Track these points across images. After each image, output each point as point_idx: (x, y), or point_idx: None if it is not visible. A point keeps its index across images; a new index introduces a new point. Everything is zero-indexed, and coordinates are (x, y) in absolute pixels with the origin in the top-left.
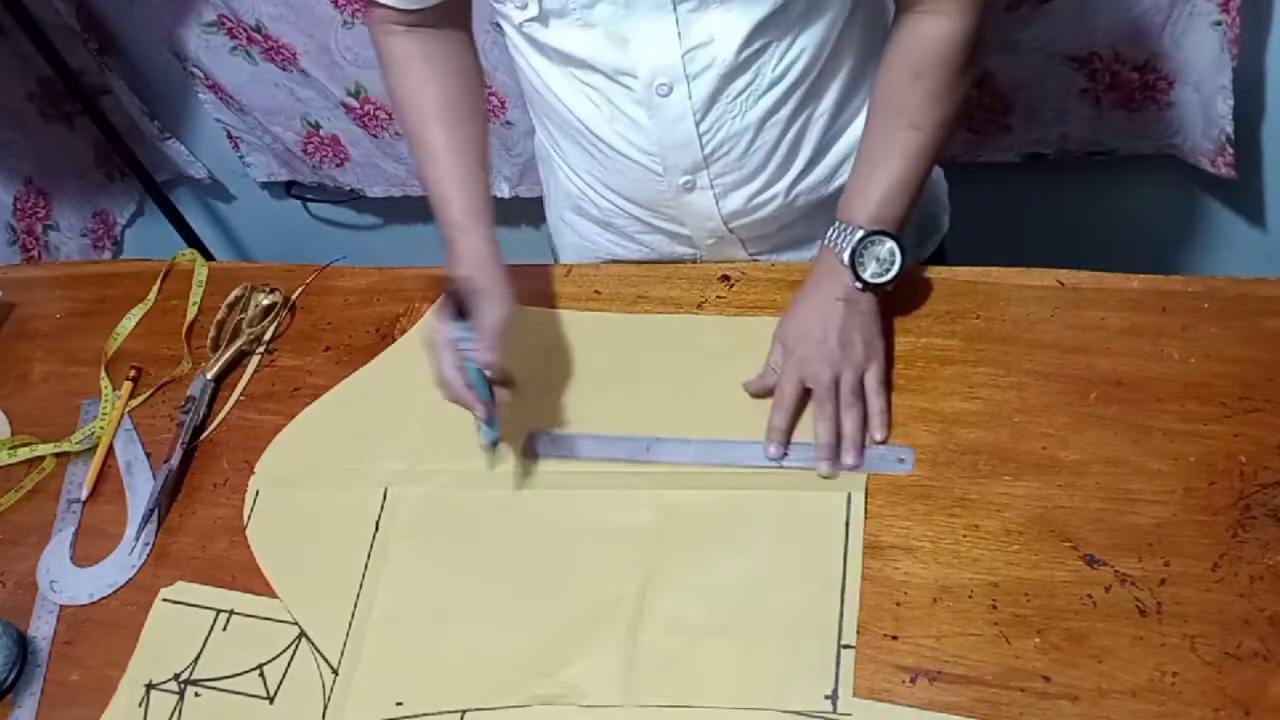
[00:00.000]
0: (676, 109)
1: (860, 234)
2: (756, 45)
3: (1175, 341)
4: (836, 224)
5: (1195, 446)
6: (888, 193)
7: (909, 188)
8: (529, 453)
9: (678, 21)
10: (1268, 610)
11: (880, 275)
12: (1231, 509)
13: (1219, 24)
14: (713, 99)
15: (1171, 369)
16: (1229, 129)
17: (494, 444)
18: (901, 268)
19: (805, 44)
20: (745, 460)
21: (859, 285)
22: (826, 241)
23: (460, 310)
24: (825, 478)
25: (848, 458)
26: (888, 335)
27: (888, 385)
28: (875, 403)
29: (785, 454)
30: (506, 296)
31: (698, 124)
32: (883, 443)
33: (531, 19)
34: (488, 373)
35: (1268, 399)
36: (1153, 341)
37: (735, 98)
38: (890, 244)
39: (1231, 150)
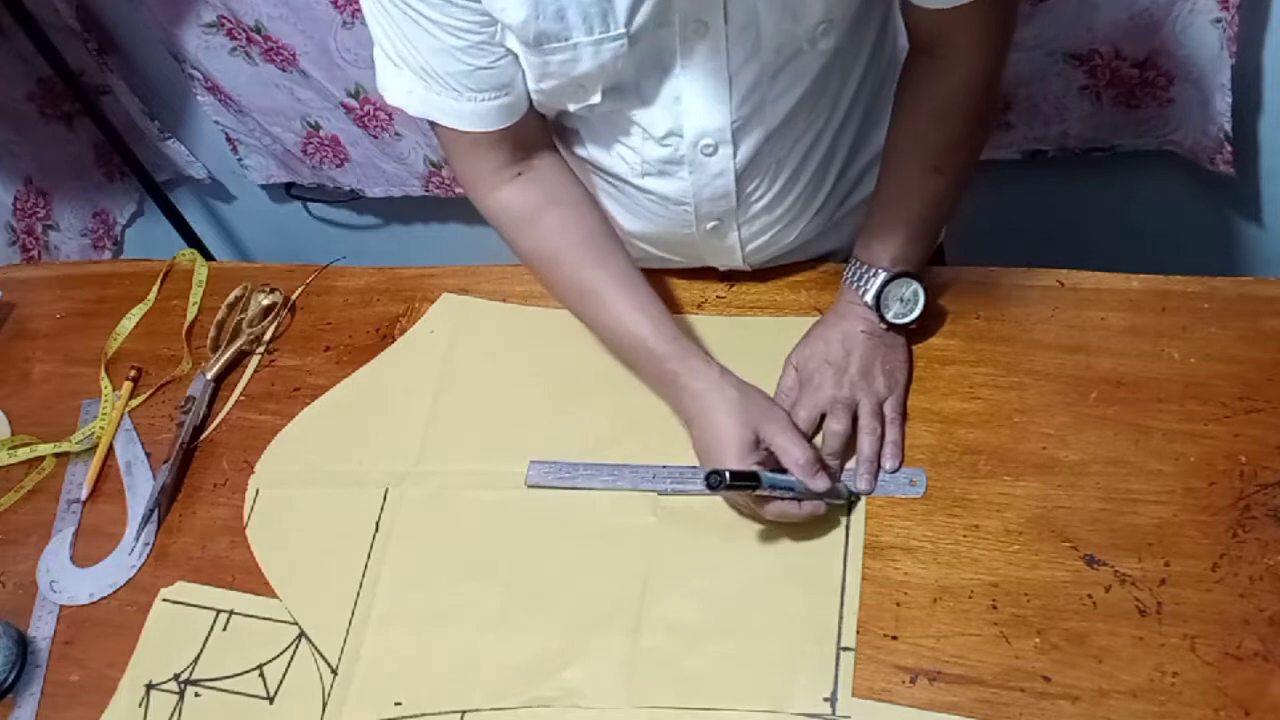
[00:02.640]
0: (719, 166)
1: (884, 276)
2: (805, 106)
3: (1175, 341)
4: (856, 264)
5: (1195, 446)
6: (911, 234)
7: (931, 229)
8: (530, 483)
9: (731, 88)
10: (1268, 610)
11: (903, 315)
12: (1231, 509)
13: (1219, 21)
14: (755, 156)
15: (1171, 369)
16: (1228, 126)
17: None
18: (925, 306)
19: (836, 94)
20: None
21: (884, 326)
22: (848, 281)
23: (748, 476)
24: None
25: (862, 483)
26: (910, 366)
27: (904, 415)
28: (891, 432)
29: (831, 486)
30: (767, 402)
31: (738, 178)
32: (894, 471)
33: (592, 104)
34: (860, 488)
35: (1268, 399)
36: (1153, 341)
37: (779, 156)
38: (914, 285)
39: (1230, 148)
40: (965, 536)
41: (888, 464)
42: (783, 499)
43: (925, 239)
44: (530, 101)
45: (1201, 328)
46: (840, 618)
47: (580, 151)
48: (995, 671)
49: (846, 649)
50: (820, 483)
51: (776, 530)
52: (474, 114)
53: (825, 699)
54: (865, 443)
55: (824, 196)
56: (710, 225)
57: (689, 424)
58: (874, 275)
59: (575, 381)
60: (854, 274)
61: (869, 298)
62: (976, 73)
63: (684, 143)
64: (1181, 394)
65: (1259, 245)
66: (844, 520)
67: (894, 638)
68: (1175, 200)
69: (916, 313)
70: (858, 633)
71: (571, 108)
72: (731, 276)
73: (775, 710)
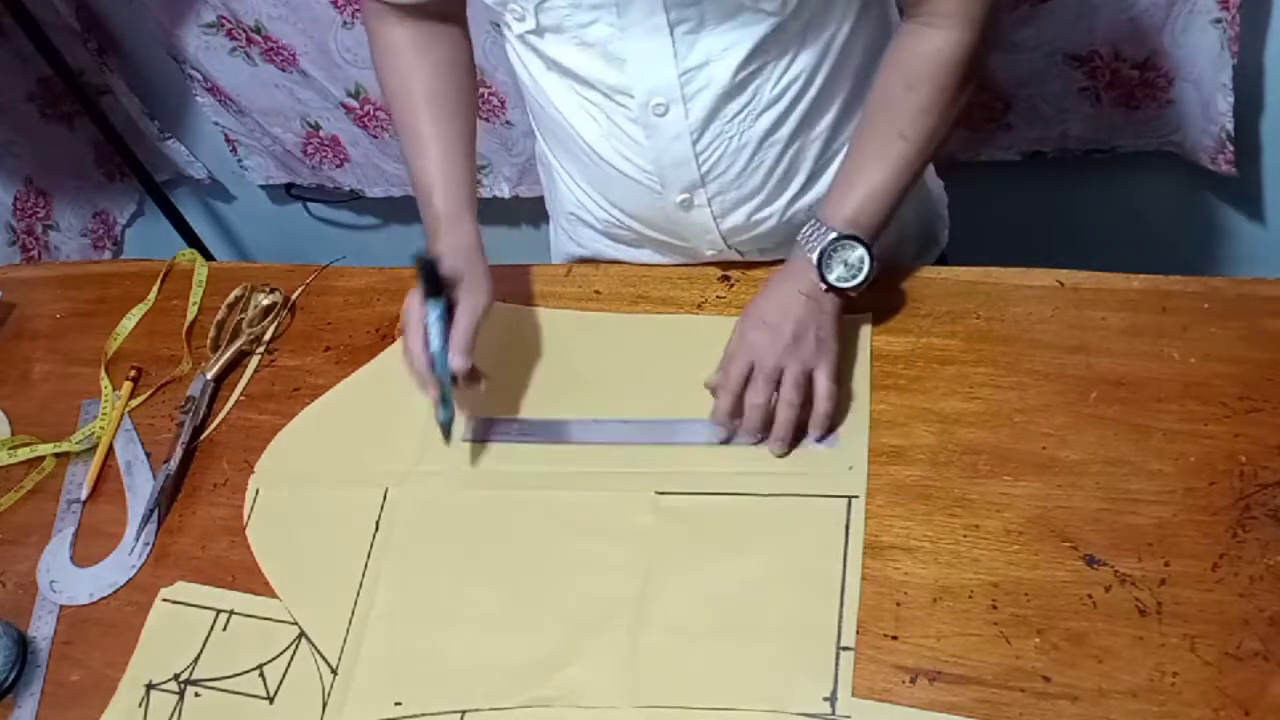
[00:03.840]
0: (673, 129)
1: (832, 235)
2: (753, 66)
3: (1175, 341)
4: (811, 222)
5: (1195, 446)
6: (866, 198)
7: (889, 196)
8: (477, 437)
9: (674, 43)
10: (1268, 610)
11: (846, 280)
12: (1231, 509)
13: (1219, 21)
14: (709, 119)
15: (1171, 369)
16: (1229, 126)
17: (447, 424)
18: (868, 276)
19: (803, 65)
20: (685, 438)
21: (823, 286)
22: (799, 238)
23: (436, 289)
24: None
25: (774, 446)
26: (841, 341)
27: (835, 387)
28: (821, 405)
29: (729, 438)
30: (485, 290)
31: (694, 143)
32: (820, 440)
33: (529, 31)
34: (452, 365)
35: (1268, 399)
36: (1153, 341)
37: (733, 118)
38: (861, 250)
39: (1232, 148)
40: (965, 536)
41: (813, 434)
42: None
43: (882, 205)
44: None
45: (1201, 328)
46: (840, 617)
47: (557, 117)
48: (995, 671)
49: (846, 648)
50: (421, 364)
51: (777, 532)
52: None
53: (825, 698)
54: (782, 414)
55: (803, 177)
56: (679, 198)
57: None
58: (823, 234)
59: (575, 381)
60: (807, 230)
61: (813, 256)
62: (953, 45)
63: (635, 102)
64: (1181, 394)
65: (1259, 245)
66: (844, 520)
67: (894, 638)
68: (1175, 200)
69: (860, 279)
70: (857, 633)
71: (511, 24)
72: (731, 276)
73: (775, 710)
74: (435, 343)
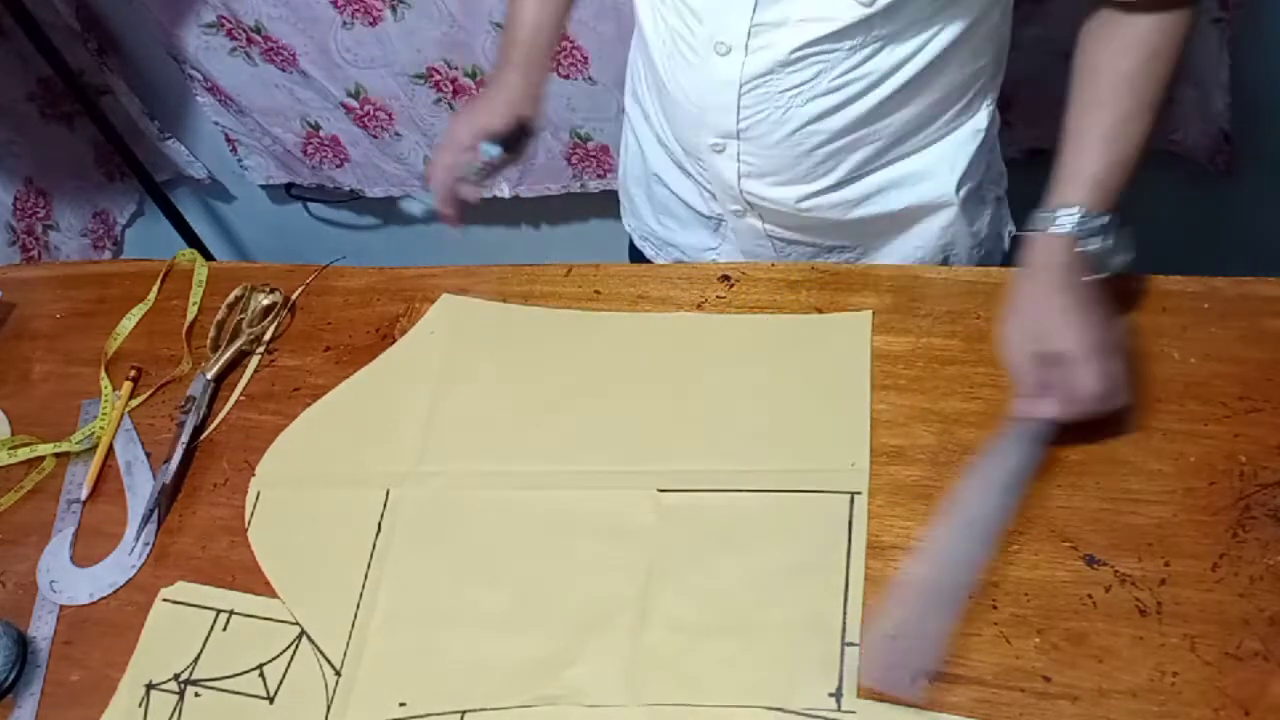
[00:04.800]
0: (726, 73)
1: (1111, 220)
2: (821, 49)
3: (1175, 341)
4: (1065, 210)
5: (1195, 446)
6: (1125, 175)
7: (1136, 166)
8: None
9: None
10: (1268, 610)
11: (1122, 265)
12: (1231, 509)
13: (1218, 21)
14: (762, 80)
15: (1171, 369)
16: (1227, 126)
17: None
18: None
19: (875, 68)
20: None
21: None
22: (1051, 226)
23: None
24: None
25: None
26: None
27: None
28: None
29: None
30: (482, 114)
31: (740, 96)
32: None
33: None
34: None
35: (1268, 399)
36: (1153, 341)
37: (785, 90)
38: (1126, 227)
39: (1229, 147)
40: None
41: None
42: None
43: (1129, 175)
44: None
45: (1201, 328)
46: (844, 614)
47: (641, 22)
48: (995, 671)
49: (851, 644)
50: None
51: (779, 527)
52: None
53: (830, 694)
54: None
55: (842, 173)
56: (712, 141)
57: None
58: (1095, 218)
59: (575, 381)
60: (1068, 219)
61: (1093, 244)
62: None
63: (702, 31)
64: (1181, 394)
65: (1259, 245)
66: (847, 516)
67: (894, 638)
68: (1175, 200)
69: (1127, 258)
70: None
71: None
72: (731, 276)
73: (779, 707)
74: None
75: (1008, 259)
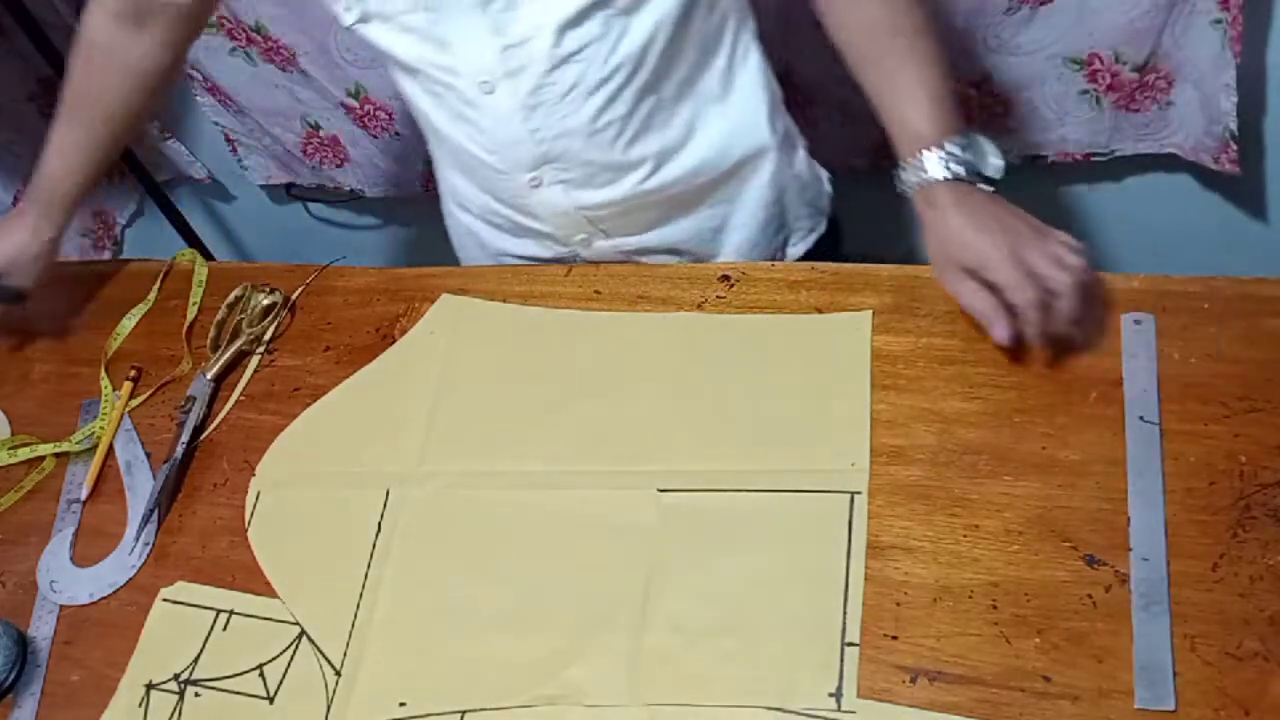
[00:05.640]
0: (503, 106)
1: (955, 146)
2: (574, 46)
3: (1175, 341)
4: (919, 160)
5: (1195, 446)
6: (937, 104)
7: (947, 85)
8: None
9: (491, 21)
10: (1268, 610)
11: (998, 169)
12: (1231, 509)
13: (1219, 22)
14: (537, 97)
15: (1171, 369)
16: (1233, 126)
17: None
18: (997, 151)
19: (631, 46)
20: None
21: (990, 187)
22: (920, 178)
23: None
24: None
25: (1064, 324)
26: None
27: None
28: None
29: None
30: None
31: (525, 121)
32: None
33: (358, 21)
34: None
35: (1268, 399)
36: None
37: (562, 98)
38: (979, 136)
39: (1235, 147)
40: (965, 536)
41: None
42: None
43: (949, 98)
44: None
45: (1201, 328)
46: (844, 613)
47: (416, 109)
48: (995, 671)
49: (851, 644)
50: None
51: (779, 527)
52: None
53: (830, 694)
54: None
55: (653, 154)
56: (527, 178)
57: None
58: (948, 155)
59: (575, 381)
60: (928, 165)
61: (962, 170)
62: None
63: (463, 82)
64: (1181, 394)
65: (1259, 245)
66: (847, 516)
67: (894, 638)
68: (1175, 200)
69: (999, 159)
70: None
71: (343, 15)
72: (731, 276)
73: (780, 707)
74: None
75: (833, 206)
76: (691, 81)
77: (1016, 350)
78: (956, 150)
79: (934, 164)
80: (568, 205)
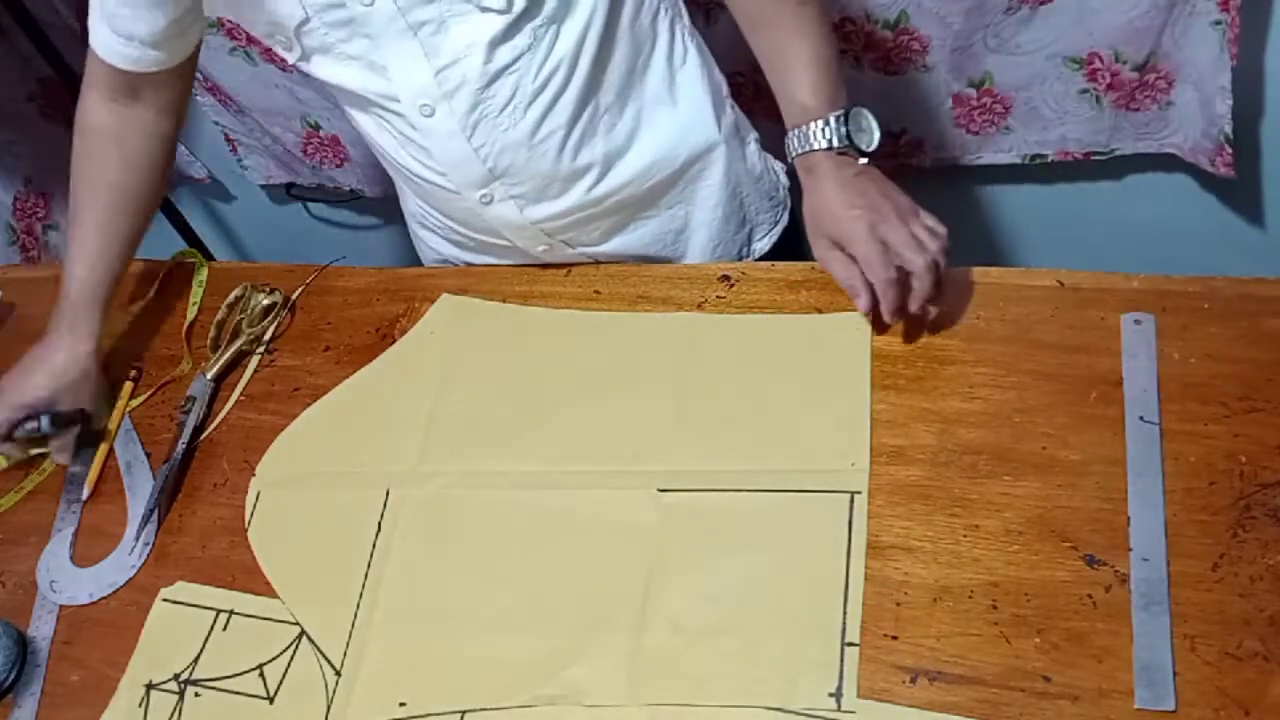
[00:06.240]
0: (445, 128)
1: (835, 118)
2: (504, 61)
3: (1175, 341)
4: (803, 130)
5: (1195, 446)
6: (824, 74)
7: (832, 62)
8: None
9: (422, 45)
10: (1268, 610)
11: (872, 142)
12: (1231, 509)
13: (1218, 23)
14: (476, 114)
15: (1171, 369)
16: (1228, 129)
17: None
18: (879, 128)
19: (560, 56)
20: None
21: (864, 159)
22: (803, 147)
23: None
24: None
25: (917, 303)
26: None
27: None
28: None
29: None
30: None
31: (469, 139)
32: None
33: (300, 59)
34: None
35: (1268, 399)
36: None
37: (500, 112)
38: (862, 110)
39: (1230, 150)
40: (965, 536)
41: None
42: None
43: (834, 69)
44: (170, 71)
45: (1201, 328)
46: (844, 613)
47: (368, 138)
48: (995, 671)
49: (851, 644)
50: None
51: (779, 526)
52: (107, 48)
53: (830, 694)
54: (921, 260)
55: (600, 160)
56: (478, 195)
57: None
58: (826, 126)
59: (575, 381)
60: (809, 136)
61: (835, 142)
62: None
63: (404, 107)
64: (1181, 394)
65: (1259, 245)
66: (847, 515)
67: (894, 638)
68: (1175, 201)
69: (879, 134)
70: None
71: (285, 55)
72: (731, 276)
73: (780, 707)
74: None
75: (791, 196)
76: (630, 82)
77: (1016, 350)
78: (836, 123)
79: (816, 134)
80: (522, 220)
